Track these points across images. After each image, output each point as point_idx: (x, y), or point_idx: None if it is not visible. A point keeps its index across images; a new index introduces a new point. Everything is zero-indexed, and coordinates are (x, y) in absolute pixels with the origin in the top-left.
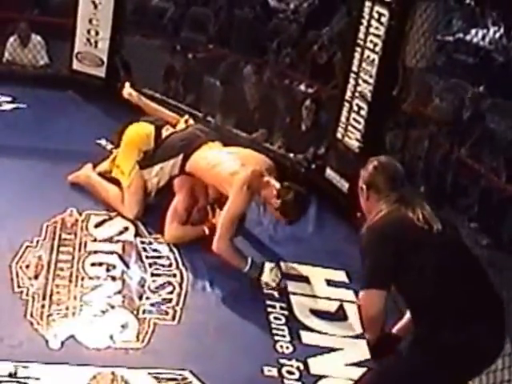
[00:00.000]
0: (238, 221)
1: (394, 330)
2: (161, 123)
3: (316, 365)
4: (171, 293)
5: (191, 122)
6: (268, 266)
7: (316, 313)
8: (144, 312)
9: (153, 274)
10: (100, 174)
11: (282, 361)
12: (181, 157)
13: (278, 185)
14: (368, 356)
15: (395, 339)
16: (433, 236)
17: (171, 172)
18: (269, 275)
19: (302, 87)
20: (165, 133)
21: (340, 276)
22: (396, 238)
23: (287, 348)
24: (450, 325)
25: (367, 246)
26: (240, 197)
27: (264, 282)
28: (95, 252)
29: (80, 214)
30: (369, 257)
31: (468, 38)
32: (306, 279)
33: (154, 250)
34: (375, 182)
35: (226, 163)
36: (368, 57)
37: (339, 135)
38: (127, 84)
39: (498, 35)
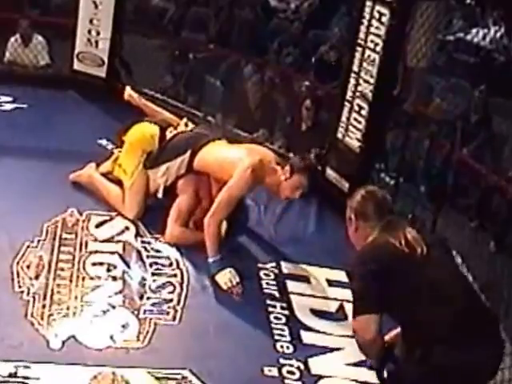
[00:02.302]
0: (234, 203)
1: (388, 337)
2: (165, 124)
3: (316, 365)
4: (172, 293)
5: (190, 124)
6: (228, 269)
7: (316, 313)
8: (145, 312)
9: (153, 274)
10: (102, 175)
11: (283, 361)
12: (188, 154)
13: (284, 171)
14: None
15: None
16: (415, 259)
17: (178, 171)
18: (223, 276)
19: (303, 87)
20: (169, 134)
21: (340, 276)
22: (380, 263)
23: (287, 348)
24: (442, 345)
25: (354, 274)
26: (243, 178)
27: (217, 281)
28: (96, 252)
29: (81, 214)
30: (356, 284)
31: (469, 37)
32: (306, 279)
33: (155, 250)
34: (364, 211)
35: (232, 155)
36: (369, 56)
37: (340, 135)
38: (128, 87)
39: (498, 35)
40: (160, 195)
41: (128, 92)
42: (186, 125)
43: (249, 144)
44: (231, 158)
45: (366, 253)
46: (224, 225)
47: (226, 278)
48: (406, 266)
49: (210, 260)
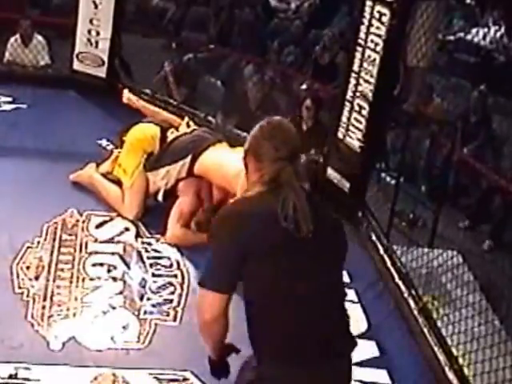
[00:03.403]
0: (214, 211)
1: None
2: (166, 125)
3: None
4: (172, 293)
5: (192, 124)
6: None
7: None
8: (145, 313)
9: (154, 275)
10: (102, 175)
11: None
12: (189, 158)
13: None
14: (369, 355)
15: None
16: (295, 241)
17: (178, 175)
18: None
19: (303, 87)
20: (170, 136)
21: None
22: (249, 234)
23: None
24: (278, 358)
25: (216, 235)
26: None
27: None
28: (96, 253)
29: (81, 215)
30: (214, 251)
31: (469, 37)
32: None
33: (155, 251)
34: (257, 148)
35: (233, 163)
36: (369, 56)
37: (340, 135)
38: (125, 90)
39: (498, 34)
40: (160, 198)
41: (126, 95)
42: (188, 125)
43: None
44: (232, 168)
45: (231, 215)
46: None
47: None
48: (281, 247)
49: None
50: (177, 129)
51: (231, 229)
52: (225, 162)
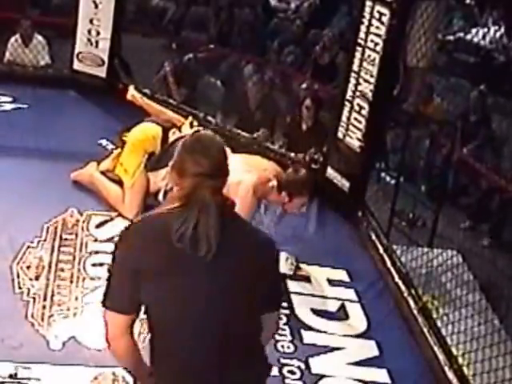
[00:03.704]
0: None
1: None
2: (168, 125)
3: (317, 364)
4: None
5: (196, 123)
6: (283, 256)
7: (317, 312)
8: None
9: None
10: (103, 173)
11: (283, 360)
12: None
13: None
14: (369, 355)
15: None
16: (192, 262)
17: None
18: (284, 265)
19: (303, 87)
20: (172, 136)
21: (341, 275)
22: (140, 254)
23: (288, 347)
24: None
25: (113, 252)
26: (246, 203)
27: (281, 272)
28: (96, 252)
29: (81, 215)
30: (111, 269)
31: (468, 37)
32: (307, 279)
33: None
34: (179, 162)
35: (232, 170)
36: (369, 56)
37: (340, 135)
38: (131, 86)
39: (498, 34)
40: (161, 198)
41: (131, 92)
42: (192, 125)
43: (250, 155)
44: (230, 179)
45: (128, 232)
46: None
47: (289, 264)
48: (166, 270)
49: None
50: (179, 129)
51: (125, 246)
52: None
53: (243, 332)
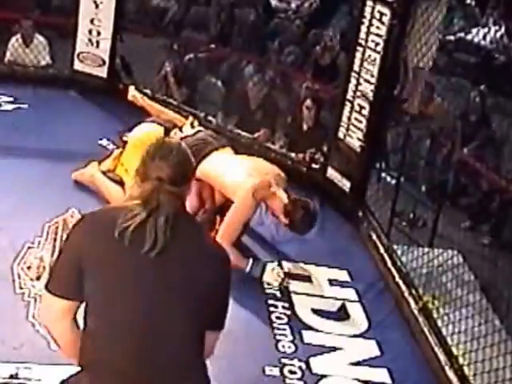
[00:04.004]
0: (240, 227)
1: None
2: (169, 126)
3: (318, 364)
4: None
5: (197, 123)
6: (270, 266)
7: (318, 312)
8: None
9: None
10: (104, 173)
11: (284, 360)
12: None
13: (285, 198)
14: (370, 355)
15: None
16: (133, 260)
17: None
18: (270, 275)
19: (304, 87)
20: (173, 137)
21: (342, 275)
22: (83, 244)
23: (289, 347)
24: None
25: (65, 237)
26: (244, 204)
27: (266, 281)
28: None
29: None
30: (58, 253)
31: (469, 37)
32: (308, 279)
33: None
34: (142, 166)
35: (234, 172)
36: (369, 56)
37: (341, 135)
38: (132, 87)
39: (499, 35)
40: None
41: (132, 92)
42: (193, 125)
43: (253, 158)
44: (232, 179)
45: (80, 221)
46: None
47: (275, 274)
48: (104, 264)
49: (247, 270)
50: (180, 129)
51: (73, 235)
52: (225, 171)
53: (173, 337)
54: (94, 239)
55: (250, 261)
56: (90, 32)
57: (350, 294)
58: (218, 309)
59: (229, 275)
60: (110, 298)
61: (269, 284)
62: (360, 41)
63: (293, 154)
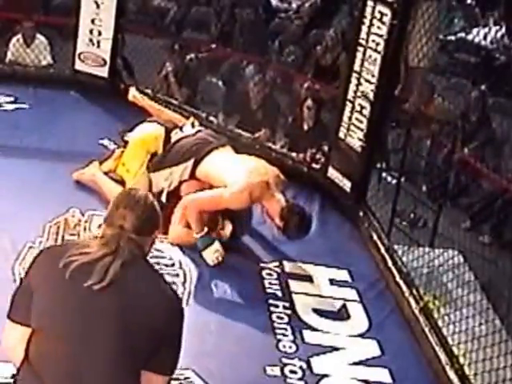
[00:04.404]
0: (215, 208)
1: None
2: (170, 126)
3: (319, 364)
4: None
5: (197, 123)
6: (215, 246)
7: (319, 312)
8: None
9: None
10: (105, 173)
11: (285, 360)
12: (191, 162)
13: (283, 201)
14: (370, 355)
15: None
16: (78, 295)
17: (181, 177)
18: (211, 254)
19: (304, 87)
20: (174, 136)
21: (343, 275)
22: (36, 273)
23: (290, 347)
24: None
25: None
26: (238, 198)
27: (204, 257)
28: None
29: (83, 215)
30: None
31: (470, 37)
32: (308, 278)
33: (157, 250)
34: (109, 213)
35: (234, 171)
36: (370, 56)
37: (342, 134)
38: (132, 88)
39: (499, 35)
40: (163, 199)
41: (132, 93)
42: (193, 125)
43: (252, 158)
44: (232, 177)
45: (43, 250)
46: (229, 227)
47: (213, 255)
48: (47, 290)
49: (197, 236)
50: (181, 129)
51: (31, 264)
52: (225, 170)
53: (99, 373)
54: (41, 268)
55: (203, 232)
56: (91, 32)
57: (351, 293)
58: (164, 353)
59: (178, 323)
60: (41, 326)
61: (204, 260)
62: (361, 41)
63: (293, 154)
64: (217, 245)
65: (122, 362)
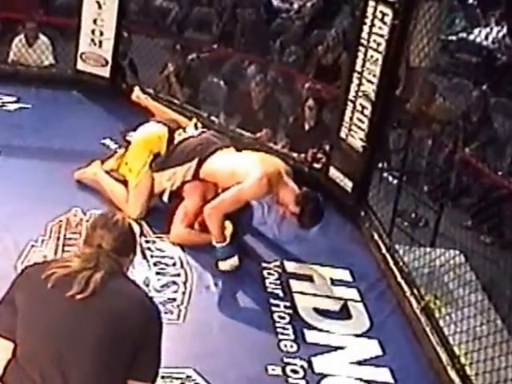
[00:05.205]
0: (239, 205)
1: None
2: (174, 126)
3: (320, 363)
4: (175, 292)
5: (200, 125)
6: (235, 259)
7: (320, 312)
8: None
9: (157, 273)
10: (107, 173)
11: (286, 359)
12: (195, 162)
13: (297, 188)
14: (372, 354)
15: None
16: (49, 301)
17: (184, 177)
18: (227, 265)
19: (306, 87)
20: (177, 137)
21: (344, 275)
22: (19, 285)
23: (291, 347)
24: None
25: None
26: (258, 185)
27: (219, 265)
28: None
29: (84, 214)
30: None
31: (471, 37)
32: (310, 278)
33: (159, 250)
34: (87, 234)
35: (243, 163)
36: (371, 56)
37: (343, 135)
38: (136, 88)
39: (500, 35)
40: (166, 199)
41: (136, 93)
42: (196, 126)
43: (255, 153)
44: (243, 166)
45: (31, 265)
46: (230, 227)
47: (229, 267)
48: (29, 302)
49: (218, 245)
50: (184, 129)
51: (15, 279)
52: (231, 166)
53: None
54: (25, 283)
55: (226, 242)
56: (93, 32)
57: (352, 293)
58: (145, 360)
59: (157, 331)
60: (22, 337)
61: (218, 268)
62: (362, 41)
63: (295, 154)
64: (236, 258)
65: (104, 367)
